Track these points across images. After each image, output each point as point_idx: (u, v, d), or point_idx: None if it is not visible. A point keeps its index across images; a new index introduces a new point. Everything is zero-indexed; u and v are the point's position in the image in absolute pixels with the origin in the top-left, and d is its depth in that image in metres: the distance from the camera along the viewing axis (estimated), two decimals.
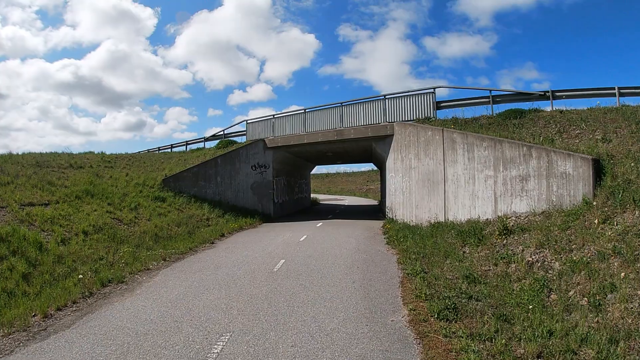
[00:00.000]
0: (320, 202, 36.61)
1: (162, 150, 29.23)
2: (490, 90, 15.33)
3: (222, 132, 24.78)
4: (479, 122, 13.34)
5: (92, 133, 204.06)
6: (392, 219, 15.08)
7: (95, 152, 22.24)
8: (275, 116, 20.18)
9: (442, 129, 12.76)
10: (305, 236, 12.84)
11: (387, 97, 16.14)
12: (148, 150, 30.42)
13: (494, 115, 14.12)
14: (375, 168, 36.95)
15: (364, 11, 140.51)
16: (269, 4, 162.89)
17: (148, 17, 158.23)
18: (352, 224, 15.94)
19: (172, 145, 29.94)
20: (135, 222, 12.39)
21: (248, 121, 21.95)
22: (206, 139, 26.04)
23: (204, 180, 19.92)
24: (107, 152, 22.87)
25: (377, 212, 23.55)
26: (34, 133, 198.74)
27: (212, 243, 12.11)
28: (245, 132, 22.12)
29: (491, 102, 14.88)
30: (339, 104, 17.30)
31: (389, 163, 15.63)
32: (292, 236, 13.01)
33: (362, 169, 71.94)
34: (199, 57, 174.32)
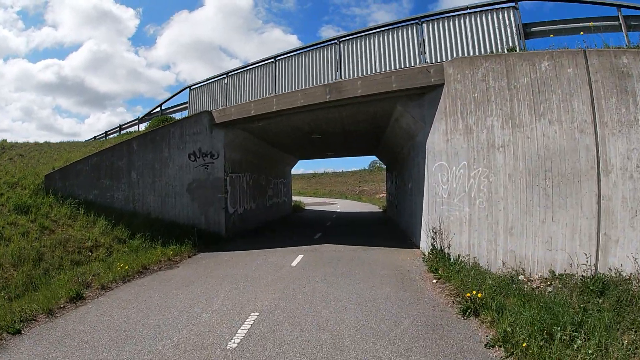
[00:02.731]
0: (306, 208, 28.93)
1: (99, 139, 21.34)
2: (620, 7, 7.96)
3: (159, 109, 16.93)
4: None
5: (76, 134, 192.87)
6: (440, 251, 7.64)
7: None
8: (229, 74, 12.44)
9: (584, 52, 5.42)
10: (253, 320, 5.15)
11: (424, 20, 8.63)
12: (94, 137, 22.47)
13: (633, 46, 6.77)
14: (378, 163, 29.31)
15: (345, 13, 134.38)
16: (251, 5, 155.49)
17: (129, 18, 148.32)
18: (361, 264, 8.08)
19: (106, 132, 22.23)
20: None
21: (192, 87, 14.16)
22: (141, 120, 18.17)
23: (109, 178, 12.17)
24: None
25: (383, 224, 16.04)
26: (18, 134, 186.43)
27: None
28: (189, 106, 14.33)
29: (623, 25, 7.57)
30: (334, 41, 9.69)
31: (433, 141, 8.13)
32: (220, 318, 5.29)
33: (353, 169, 64.90)
34: (181, 58, 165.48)
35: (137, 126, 18.29)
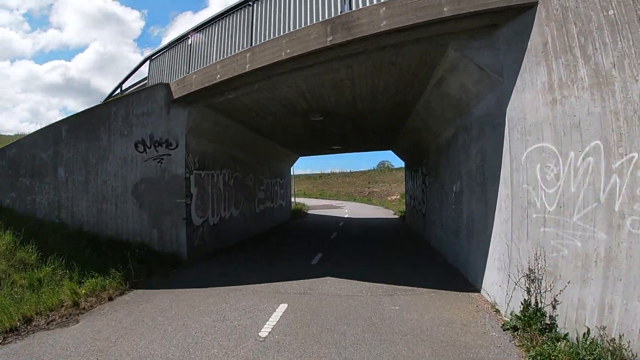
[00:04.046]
0: (309, 212, 25.35)
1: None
2: None
3: (119, 92, 13.47)
4: None
5: None
6: (536, 311, 3.99)
7: None
8: (194, 32, 8.84)
9: None
10: None
11: None
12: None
13: None
14: (388, 163, 25.73)
15: None
16: None
17: (134, 20, 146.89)
18: (389, 337, 4.08)
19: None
20: None
21: (152, 57, 10.64)
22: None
23: (30, 176, 8.80)
24: None
25: (405, 237, 12.38)
26: None
27: None
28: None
29: None
30: None
31: (521, 107, 4.47)
32: None
33: (362, 169, 61.14)
34: None
35: None
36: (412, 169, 14.22)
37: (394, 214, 22.56)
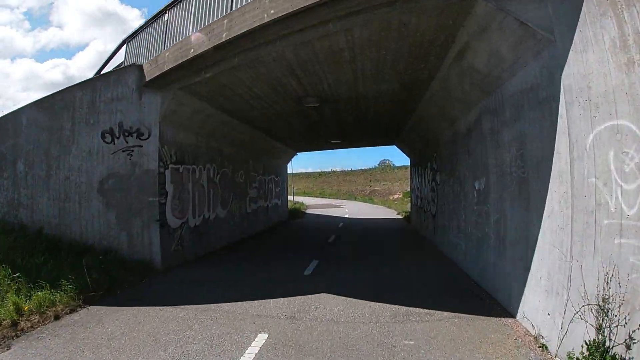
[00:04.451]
0: (308, 212, 24.20)
1: None
2: None
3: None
4: None
5: None
6: (604, 351, 2.75)
7: None
8: (167, 10, 7.60)
9: None
10: None
11: None
12: None
13: None
14: (389, 161, 24.39)
15: None
16: None
17: (135, 18, 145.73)
18: None
19: None
20: None
21: (129, 40, 9.44)
22: None
23: None
24: None
25: (412, 242, 11.23)
26: None
27: None
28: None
29: None
30: None
31: (584, 73, 3.23)
32: None
33: (363, 167, 60.00)
34: None
35: None
36: (419, 164, 12.96)
37: (397, 213, 21.36)
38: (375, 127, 11.75)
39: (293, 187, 33.50)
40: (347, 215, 20.77)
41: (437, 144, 9.28)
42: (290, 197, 28.56)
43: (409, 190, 19.37)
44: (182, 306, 5.21)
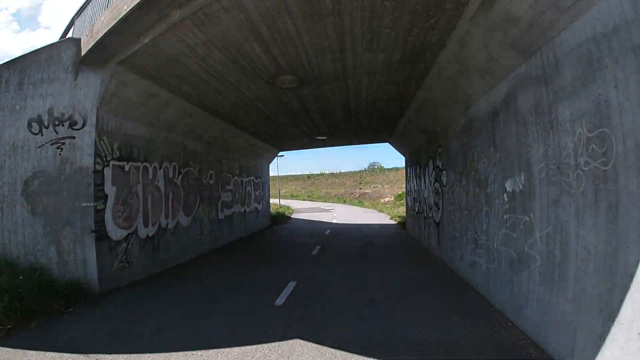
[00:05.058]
0: (293, 216, 22.77)
1: None
2: None
3: None
4: None
5: None
6: None
7: None
8: None
9: None
10: None
11: None
12: None
13: None
14: (378, 164, 23.15)
15: None
16: None
17: None
18: None
19: None
20: None
21: (79, 14, 7.92)
22: None
23: None
24: None
25: (413, 256, 9.93)
26: None
27: None
28: None
29: None
30: None
31: None
32: None
33: (352, 169, 58.94)
34: None
35: None
36: (418, 163, 11.53)
37: (390, 218, 20.05)
38: (367, 118, 10.36)
39: (279, 190, 32.02)
40: (335, 221, 19.35)
41: (443, 136, 7.87)
42: (275, 201, 27.08)
43: (402, 192, 18.07)
44: (101, 356, 3.76)
